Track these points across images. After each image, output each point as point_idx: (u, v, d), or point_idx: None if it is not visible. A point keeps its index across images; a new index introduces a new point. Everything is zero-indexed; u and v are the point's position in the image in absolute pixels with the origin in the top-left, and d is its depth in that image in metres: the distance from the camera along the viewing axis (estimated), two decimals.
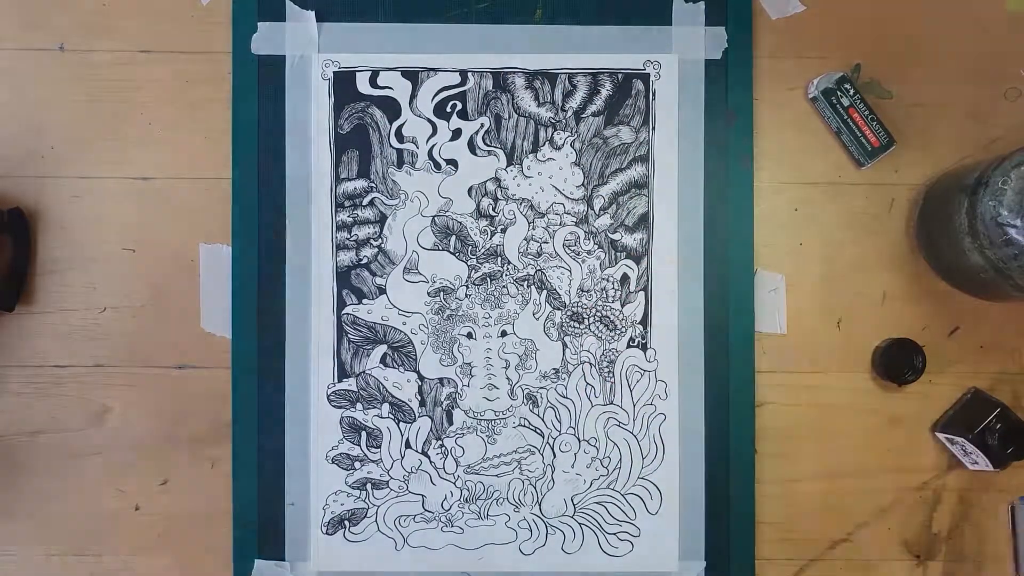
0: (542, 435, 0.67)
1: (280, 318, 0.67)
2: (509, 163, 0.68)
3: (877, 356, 0.67)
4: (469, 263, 0.67)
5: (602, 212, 0.68)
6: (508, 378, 0.67)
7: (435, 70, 0.68)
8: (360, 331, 0.67)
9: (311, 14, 0.67)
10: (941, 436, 0.67)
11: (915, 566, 0.68)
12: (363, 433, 0.67)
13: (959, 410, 0.67)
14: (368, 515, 0.67)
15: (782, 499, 0.68)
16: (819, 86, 0.67)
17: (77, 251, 0.68)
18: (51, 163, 0.68)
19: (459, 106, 0.68)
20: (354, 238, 0.67)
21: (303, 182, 0.67)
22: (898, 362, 0.66)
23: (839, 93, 0.66)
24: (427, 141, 0.67)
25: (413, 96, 0.67)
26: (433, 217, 0.67)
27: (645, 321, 0.67)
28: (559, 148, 0.68)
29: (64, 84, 0.68)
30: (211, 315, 0.67)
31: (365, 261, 0.67)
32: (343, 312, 0.67)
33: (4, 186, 0.67)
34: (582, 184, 0.68)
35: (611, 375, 0.67)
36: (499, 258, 0.67)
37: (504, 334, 0.67)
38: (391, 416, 0.67)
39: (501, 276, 0.67)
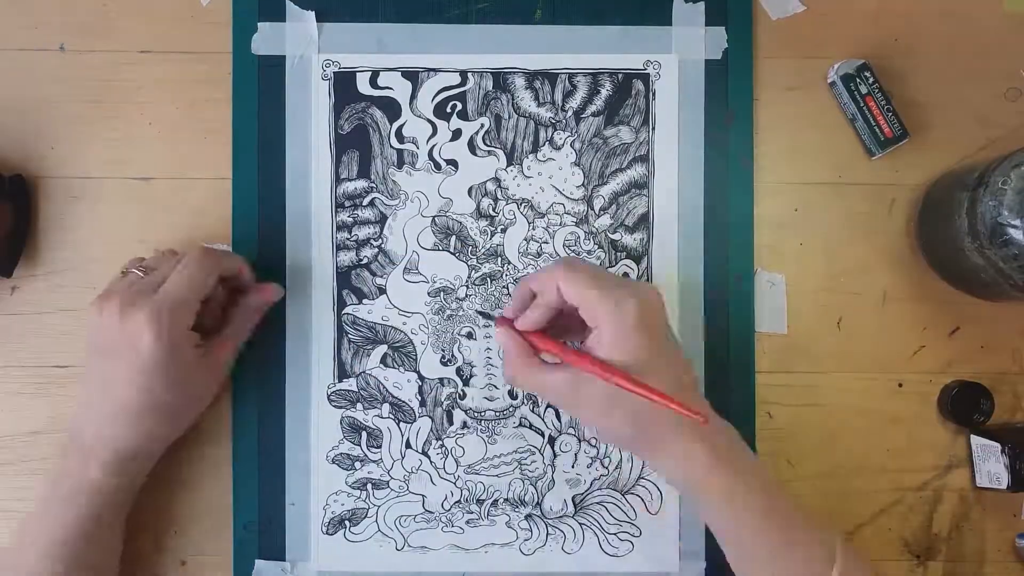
0: (542, 435, 0.67)
1: (280, 318, 0.67)
2: (509, 163, 0.68)
3: (945, 398, 0.67)
4: (469, 263, 0.67)
5: (602, 212, 0.68)
6: None
7: (435, 70, 0.68)
8: (360, 331, 0.67)
9: (311, 14, 0.67)
10: (975, 439, 0.66)
11: (915, 566, 0.68)
12: (363, 433, 0.67)
13: (1009, 431, 0.66)
14: (368, 515, 0.67)
15: None
16: (839, 71, 0.66)
17: (77, 251, 0.68)
18: (51, 163, 0.68)
19: (459, 106, 0.68)
20: (354, 238, 0.67)
21: (303, 182, 0.67)
22: (966, 406, 0.66)
23: (858, 80, 0.66)
24: (427, 141, 0.67)
25: (413, 96, 0.67)
26: (433, 217, 0.67)
27: None
28: (559, 148, 0.68)
29: (64, 84, 0.68)
30: None
31: (365, 261, 0.67)
32: (343, 312, 0.67)
33: None
34: (582, 184, 0.68)
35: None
36: (499, 258, 0.67)
37: None
38: (391, 416, 0.67)
39: (501, 276, 0.67)
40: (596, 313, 0.53)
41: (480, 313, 0.63)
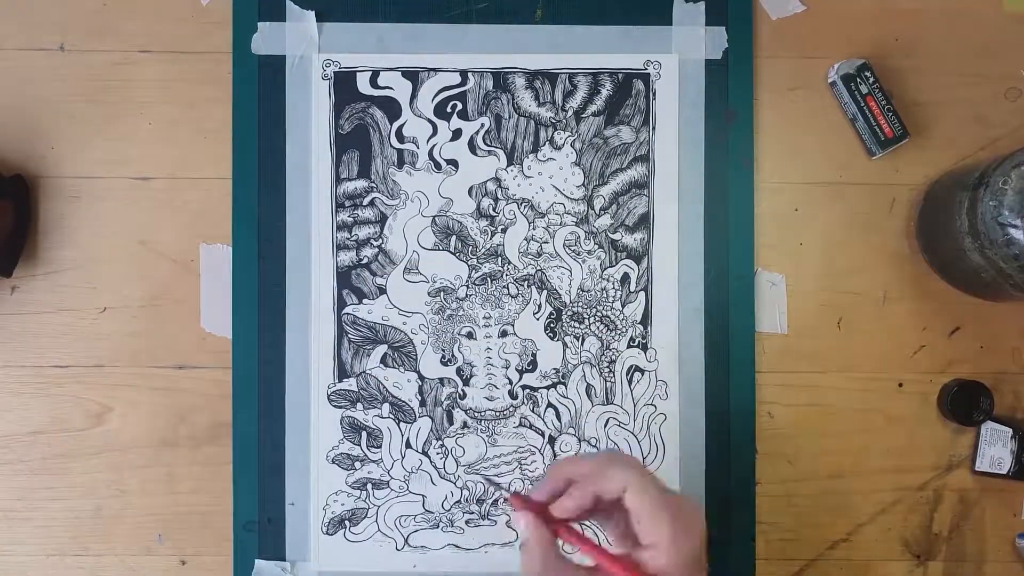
0: (543, 435, 0.67)
1: (280, 318, 0.67)
2: (509, 163, 0.68)
3: (945, 396, 0.67)
4: (469, 263, 0.67)
5: (602, 212, 0.68)
6: (508, 378, 0.67)
7: (435, 70, 0.68)
8: (360, 331, 0.67)
9: (311, 14, 0.67)
10: (988, 424, 0.66)
11: (915, 566, 0.68)
12: (363, 433, 0.67)
13: (1017, 422, 0.67)
14: (368, 515, 0.67)
15: (782, 499, 0.68)
16: (839, 71, 0.66)
17: (77, 251, 0.68)
18: (51, 163, 0.68)
19: (459, 106, 0.68)
20: (354, 238, 0.67)
21: (303, 182, 0.67)
22: (965, 404, 0.66)
23: (858, 80, 0.66)
24: (427, 141, 0.67)
25: (413, 96, 0.67)
26: (433, 217, 0.67)
27: (645, 321, 0.67)
28: (559, 148, 0.68)
29: (64, 84, 0.68)
30: (211, 315, 0.67)
31: (365, 261, 0.67)
32: (343, 312, 0.67)
33: None
34: (582, 184, 0.68)
35: (611, 375, 0.67)
36: (499, 258, 0.67)
37: (504, 334, 0.67)
38: (391, 416, 0.67)
39: (501, 276, 0.67)
40: (659, 536, 0.48)
41: (488, 480, 0.57)
